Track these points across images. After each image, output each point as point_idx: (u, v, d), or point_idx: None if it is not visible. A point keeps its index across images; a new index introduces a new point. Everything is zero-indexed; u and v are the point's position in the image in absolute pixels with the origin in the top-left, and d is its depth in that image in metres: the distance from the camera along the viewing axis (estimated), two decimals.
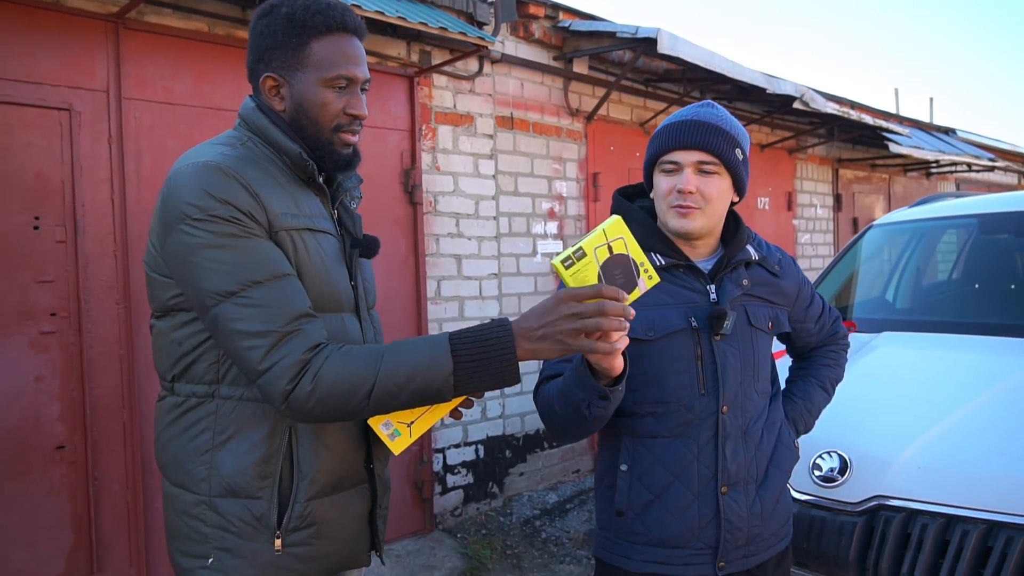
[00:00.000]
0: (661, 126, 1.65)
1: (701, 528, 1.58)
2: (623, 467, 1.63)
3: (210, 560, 1.33)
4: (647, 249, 1.62)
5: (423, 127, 4.21)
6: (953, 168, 9.21)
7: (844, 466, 2.20)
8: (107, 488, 3.13)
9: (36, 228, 2.94)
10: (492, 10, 4.42)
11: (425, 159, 4.23)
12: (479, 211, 4.53)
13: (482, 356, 1.24)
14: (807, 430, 1.85)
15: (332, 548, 1.41)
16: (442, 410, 1.35)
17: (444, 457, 4.38)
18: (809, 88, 5.59)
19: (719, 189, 1.59)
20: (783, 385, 1.89)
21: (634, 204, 1.73)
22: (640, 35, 4.31)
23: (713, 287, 1.62)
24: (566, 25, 4.74)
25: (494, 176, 4.62)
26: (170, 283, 1.33)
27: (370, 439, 1.47)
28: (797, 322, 1.81)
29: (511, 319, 1.27)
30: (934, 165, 8.77)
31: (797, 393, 1.85)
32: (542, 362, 1.76)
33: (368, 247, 1.51)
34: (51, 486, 2.98)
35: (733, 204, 1.68)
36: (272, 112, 1.41)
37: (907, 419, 2.15)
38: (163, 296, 1.35)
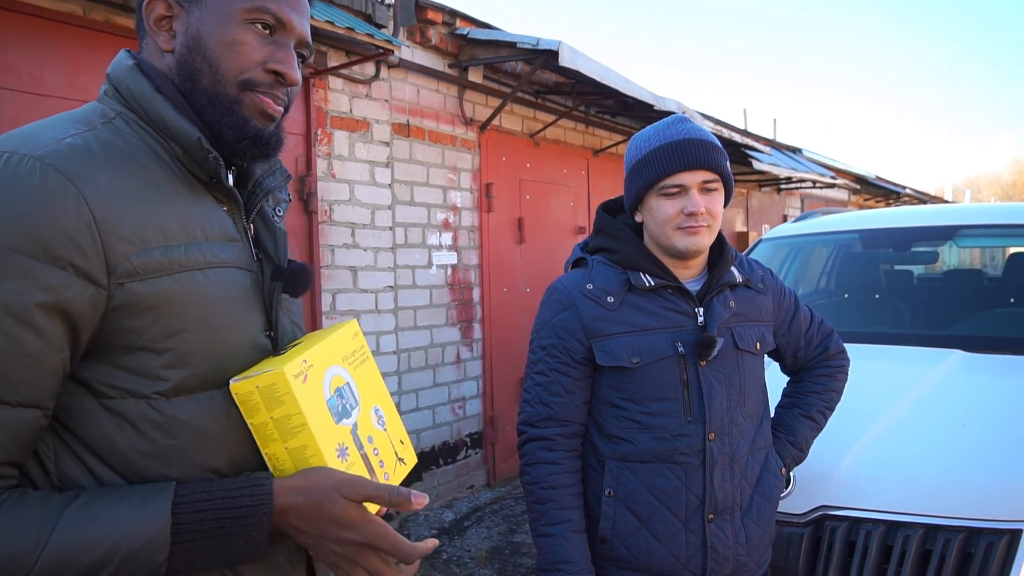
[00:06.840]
0: (650, 149, 1.55)
1: (688, 557, 1.55)
2: (607, 491, 1.57)
3: None
4: (635, 269, 1.58)
5: (318, 131, 3.97)
6: (799, 184, 9.95)
7: (788, 479, 2.24)
8: None
9: None
10: (391, 13, 4.25)
11: (320, 165, 3.99)
12: (375, 221, 4.34)
13: (219, 530, 0.84)
14: (796, 462, 1.83)
15: None
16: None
17: None
18: (689, 107, 5.83)
19: (721, 204, 1.58)
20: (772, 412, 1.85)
21: (616, 220, 1.67)
22: (541, 47, 4.29)
23: (701, 310, 1.59)
24: (464, 32, 4.65)
25: (390, 185, 4.44)
26: None
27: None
28: (781, 336, 1.79)
29: (275, 479, 0.88)
30: (784, 181, 9.43)
31: (780, 427, 1.81)
32: (523, 395, 1.67)
33: (295, 280, 1.01)
34: None
35: None
36: (159, 76, 0.94)
37: (840, 428, 2.23)
38: None
